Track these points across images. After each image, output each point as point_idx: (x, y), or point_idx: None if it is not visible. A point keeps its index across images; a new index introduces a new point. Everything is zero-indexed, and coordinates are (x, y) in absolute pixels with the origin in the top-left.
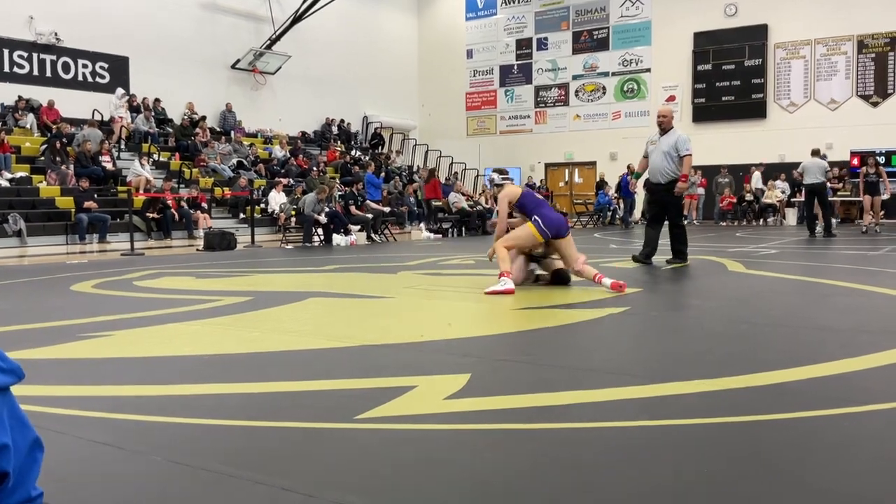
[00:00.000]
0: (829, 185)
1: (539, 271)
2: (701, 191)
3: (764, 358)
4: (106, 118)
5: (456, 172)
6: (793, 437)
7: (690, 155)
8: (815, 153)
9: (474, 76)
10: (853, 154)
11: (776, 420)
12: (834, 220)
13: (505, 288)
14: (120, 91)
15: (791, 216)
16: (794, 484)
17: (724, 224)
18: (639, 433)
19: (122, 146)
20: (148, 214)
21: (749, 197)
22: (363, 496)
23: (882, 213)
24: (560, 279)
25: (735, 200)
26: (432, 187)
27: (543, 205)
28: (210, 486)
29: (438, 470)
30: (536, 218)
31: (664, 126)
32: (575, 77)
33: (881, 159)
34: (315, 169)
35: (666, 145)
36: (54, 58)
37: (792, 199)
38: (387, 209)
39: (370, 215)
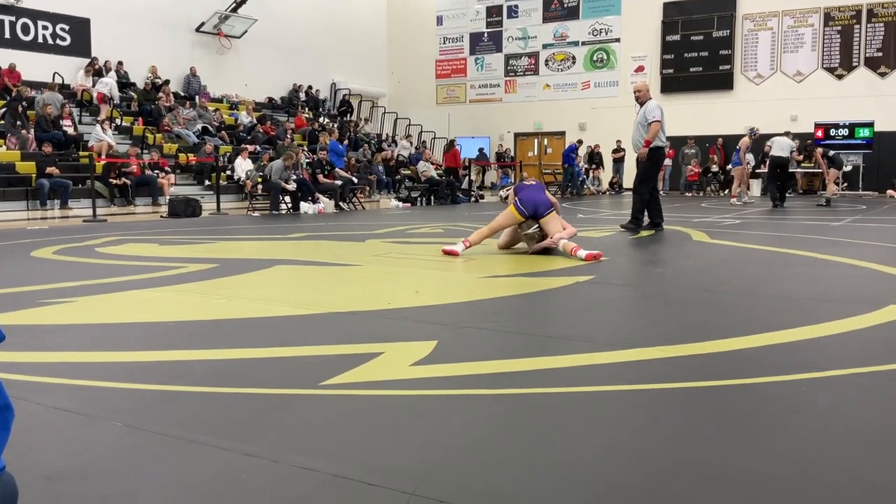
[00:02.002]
0: (793, 159)
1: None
2: (668, 161)
3: (725, 325)
4: (75, 84)
5: (425, 141)
6: (752, 402)
7: (658, 121)
8: (786, 134)
9: (444, 43)
10: (817, 126)
11: (736, 385)
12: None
13: (451, 248)
14: (113, 75)
15: (756, 187)
16: (749, 446)
17: (690, 194)
18: (602, 398)
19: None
20: (111, 180)
21: (714, 168)
22: (328, 461)
23: (845, 184)
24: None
25: (701, 171)
26: (452, 156)
27: (525, 188)
28: (172, 452)
29: (404, 435)
30: (515, 199)
31: (641, 100)
32: (545, 46)
33: (845, 132)
34: (286, 136)
35: (639, 116)
36: (13, 19)
37: (756, 171)
38: (355, 179)
39: (339, 182)
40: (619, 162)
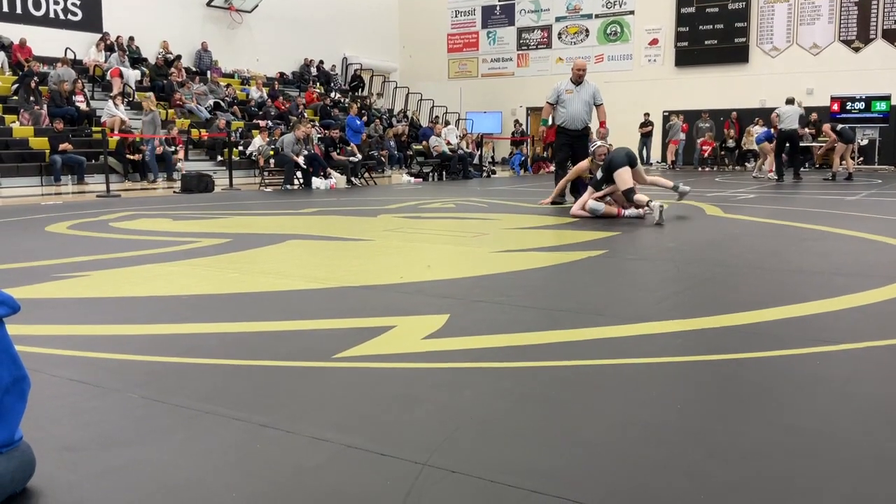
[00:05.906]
0: (806, 130)
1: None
2: (682, 136)
3: (738, 299)
4: (87, 60)
5: (437, 116)
6: (764, 375)
7: (602, 104)
8: (790, 101)
9: (456, 17)
10: (833, 100)
11: (748, 358)
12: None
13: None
14: (118, 53)
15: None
16: (762, 419)
17: (705, 169)
18: (613, 371)
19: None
20: (127, 156)
21: (731, 144)
22: (341, 432)
23: (861, 158)
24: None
25: (714, 145)
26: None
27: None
28: (188, 423)
29: (416, 407)
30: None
31: (582, 79)
32: (558, 19)
33: (861, 105)
34: (299, 112)
35: (586, 94)
36: None
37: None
38: (360, 156)
39: (356, 158)
40: (647, 137)
